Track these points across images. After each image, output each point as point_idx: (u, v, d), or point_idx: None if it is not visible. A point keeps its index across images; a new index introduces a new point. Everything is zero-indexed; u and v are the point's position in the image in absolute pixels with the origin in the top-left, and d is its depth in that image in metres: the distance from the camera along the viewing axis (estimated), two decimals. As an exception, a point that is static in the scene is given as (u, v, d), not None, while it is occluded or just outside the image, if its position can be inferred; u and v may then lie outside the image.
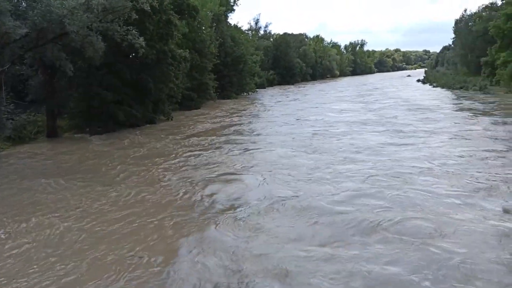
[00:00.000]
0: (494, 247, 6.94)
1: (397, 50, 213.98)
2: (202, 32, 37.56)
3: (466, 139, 16.75)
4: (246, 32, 69.90)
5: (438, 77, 64.63)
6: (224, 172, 12.82)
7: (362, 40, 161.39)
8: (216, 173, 12.70)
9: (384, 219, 8.18)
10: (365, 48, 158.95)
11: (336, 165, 12.99)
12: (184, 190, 10.97)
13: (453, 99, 37.46)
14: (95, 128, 22.16)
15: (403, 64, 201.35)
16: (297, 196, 9.98)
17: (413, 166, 12.32)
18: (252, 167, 13.41)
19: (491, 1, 55.33)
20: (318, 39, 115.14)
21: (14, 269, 6.85)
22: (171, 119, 27.09)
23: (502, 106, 28.55)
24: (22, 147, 18.49)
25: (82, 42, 17.24)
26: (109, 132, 22.11)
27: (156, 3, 21.55)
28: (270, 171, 12.54)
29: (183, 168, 13.57)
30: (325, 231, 7.93)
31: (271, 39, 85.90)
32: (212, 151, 16.25)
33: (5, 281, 6.42)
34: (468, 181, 10.65)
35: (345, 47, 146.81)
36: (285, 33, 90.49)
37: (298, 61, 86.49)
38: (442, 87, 52.97)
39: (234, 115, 30.43)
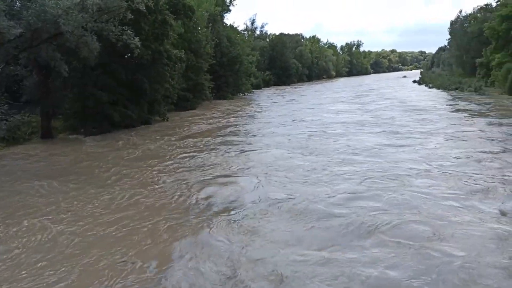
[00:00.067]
0: (493, 250, 6.87)
1: (393, 51, 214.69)
2: (198, 32, 37.42)
3: (463, 140, 16.75)
4: (242, 32, 69.84)
5: (434, 78, 64.88)
6: (220, 174, 12.70)
7: (358, 40, 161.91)
8: (212, 175, 12.59)
9: (382, 222, 8.10)
10: (361, 49, 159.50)
11: (333, 167, 12.92)
12: (178, 193, 10.83)
13: (448, 100, 37.57)
14: (90, 129, 21.99)
15: (399, 65, 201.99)
16: (293, 199, 9.89)
17: (410, 168, 12.27)
18: (248, 169, 13.31)
19: (486, 3, 55.73)
20: (314, 39, 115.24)
21: (3, 275, 6.68)
22: (167, 120, 26.94)
23: (498, 107, 28.64)
24: (16, 148, 18.30)
25: (77, 42, 17.08)
26: (104, 133, 21.94)
27: (152, 3, 21.41)
28: (266, 173, 12.45)
29: (178, 170, 13.43)
30: (322, 234, 7.84)
31: (267, 40, 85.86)
32: (208, 153, 16.14)
33: (-6, 287, 6.29)
34: (465, 183, 10.61)
35: (341, 47, 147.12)
36: (281, 34, 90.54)
37: (294, 62, 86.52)
38: (438, 88, 53.19)
39: (230, 116, 30.33)
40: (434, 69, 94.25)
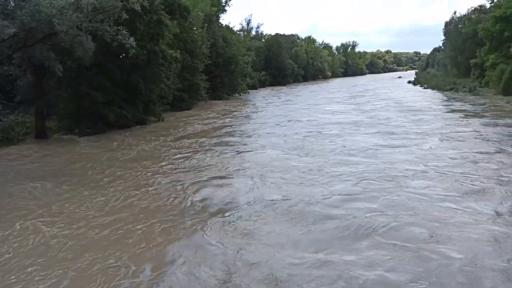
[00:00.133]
0: (490, 253, 6.85)
1: (388, 52, 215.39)
2: (194, 33, 37.31)
3: (459, 140, 16.80)
4: (238, 32, 69.77)
5: (429, 79, 65.22)
6: (215, 175, 12.62)
7: (353, 41, 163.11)
8: (207, 176, 12.50)
9: (378, 224, 8.07)
10: (357, 50, 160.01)
11: (329, 168, 12.89)
12: (173, 195, 10.72)
13: (443, 100, 37.75)
14: (85, 129, 21.86)
15: (394, 66, 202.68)
16: (289, 200, 9.83)
17: (406, 169, 12.26)
18: (243, 170, 13.24)
19: (480, 4, 56.09)
20: (309, 40, 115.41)
21: (-7, 279, 6.53)
22: (162, 120, 26.84)
23: (492, 107, 28.81)
24: (9, 149, 18.13)
25: (71, 42, 16.94)
26: (98, 133, 21.80)
27: (147, 3, 21.32)
28: (261, 174, 12.38)
29: (173, 171, 13.32)
30: (318, 237, 7.78)
31: (263, 40, 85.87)
32: (203, 154, 16.06)
33: (-18, 293, 6.15)
34: (461, 184, 10.61)
35: (337, 48, 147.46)
36: (276, 34, 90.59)
37: (290, 62, 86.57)
38: (433, 88, 53.48)
39: (226, 116, 30.27)
40: (429, 70, 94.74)
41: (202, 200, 10.21)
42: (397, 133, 19.03)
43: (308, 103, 39.37)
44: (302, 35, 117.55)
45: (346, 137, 18.67)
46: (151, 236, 8.07)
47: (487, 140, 16.75)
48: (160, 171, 13.46)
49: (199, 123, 26.04)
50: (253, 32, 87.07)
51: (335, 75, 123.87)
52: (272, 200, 9.93)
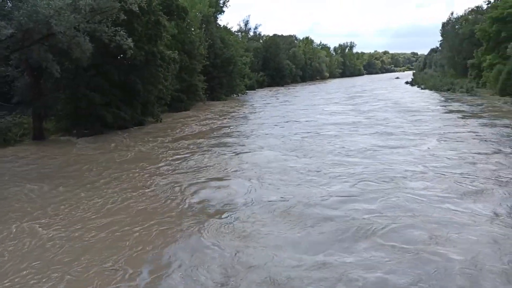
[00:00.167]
0: (489, 255, 6.83)
1: (385, 52, 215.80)
2: (191, 33, 37.31)
3: (457, 141, 16.82)
4: (236, 33, 69.76)
5: (426, 79, 65.38)
6: (213, 177, 12.58)
7: (351, 42, 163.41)
8: (204, 177, 12.45)
9: (377, 226, 8.05)
10: (354, 50, 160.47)
11: (327, 169, 12.89)
12: (171, 196, 10.66)
13: (441, 101, 37.84)
14: (82, 130, 21.80)
15: (391, 66, 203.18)
16: (287, 202, 9.80)
17: (405, 170, 12.26)
18: (241, 171, 13.21)
19: (477, 5, 56.32)
20: (307, 40, 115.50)
21: (-14, 284, 6.45)
22: (160, 121, 26.80)
23: (490, 108, 28.90)
24: (6, 150, 18.04)
25: (69, 43, 16.89)
26: (96, 134, 21.74)
27: (145, 4, 21.27)
28: (259, 176, 12.35)
29: (171, 173, 13.26)
30: (316, 238, 7.75)
31: (261, 41, 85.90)
32: (201, 155, 16.03)
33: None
34: (460, 185, 10.62)
35: (335, 49, 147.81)
36: (274, 35, 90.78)
37: (288, 63, 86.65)
38: (430, 89, 53.63)
39: (224, 117, 30.26)
40: (426, 70, 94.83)
41: (199, 202, 10.17)
42: (396, 134, 19.05)
43: (306, 103, 39.40)
44: (300, 36, 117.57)
45: (344, 138, 18.68)
46: (148, 239, 7.99)
47: (485, 140, 16.80)
48: (158, 172, 13.42)
49: (197, 124, 26.02)
50: (251, 33, 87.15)
51: (333, 76, 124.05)
52: (270, 201, 9.90)
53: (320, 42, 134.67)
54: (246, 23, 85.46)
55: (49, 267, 6.91)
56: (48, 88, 21.21)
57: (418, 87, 60.95)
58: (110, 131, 22.44)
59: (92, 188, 11.66)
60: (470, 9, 57.92)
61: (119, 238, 8.04)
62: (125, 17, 18.90)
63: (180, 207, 9.92)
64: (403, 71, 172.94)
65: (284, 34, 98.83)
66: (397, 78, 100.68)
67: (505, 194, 9.85)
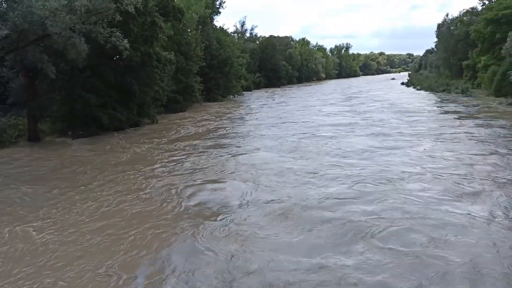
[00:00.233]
0: (488, 257, 6.81)
1: (381, 54, 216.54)
2: (188, 35, 37.24)
3: (453, 142, 16.88)
4: (232, 34, 69.76)
5: (422, 80, 65.72)
6: (209, 179, 12.49)
7: (347, 43, 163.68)
8: (200, 180, 12.36)
9: (376, 228, 8.01)
10: (350, 52, 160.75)
11: (324, 170, 12.86)
12: (166, 199, 10.53)
13: (437, 101, 38.03)
14: (78, 132, 21.69)
15: (387, 67, 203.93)
16: (284, 204, 9.74)
17: (402, 172, 12.27)
18: (237, 173, 13.14)
19: (471, 6, 56.65)
20: (303, 42, 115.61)
21: (-23, 291, 6.32)
22: (156, 122, 26.73)
23: (486, 109, 29.05)
24: (1, 152, 17.89)
25: (64, 44, 16.81)
26: (92, 135, 21.63)
27: (141, 5, 21.17)
28: (256, 177, 12.30)
29: (166, 175, 13.12)
30: (314, 241, 7.69)
31: (257, 42, 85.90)
32: (197, 156, 15.95)
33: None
34: (457, 186, 10.63)
35: (331, 50, 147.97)
36: (271, 36, 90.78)
37: (284, 64, 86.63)
38: (426, 90, 53.92)
39: (220, 118, 30.20)
40: (422, 71, 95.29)
41: (195, 205, 10.06)
42: (392, 135, 19.08)
43: (302, 104, 39.41)
44: (296, 37, 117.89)
45: (341, 139, 18.68)
46: (143, 243, 7.85)
47: (482, 141, 16.86)
48: (153, 174, 13.30)
49: (193, 125, 25.95)
50: (247, 34, 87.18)
51: (329, 77, 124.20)
52: (267, 204, 9.83)
53: (317, 43, 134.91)
54: (243, 24, 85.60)
55: (41, 273, 6.78)
56: (43, 89, 21.09)
57: (413, 88, 61.24)
58: (106, 133, 22.33)
59: (86, 190, 11.52)
60: (465, 11, 58.26)
61: (113, 242, 7.90)
62: (121, 18, 18.82)
63: (176, 210, 9.80)
64: (399, 72, 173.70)
65: (280, 35, 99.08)
66: (393, 79, 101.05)
67: (502, 195, 9.85)
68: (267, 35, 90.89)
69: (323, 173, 12.58)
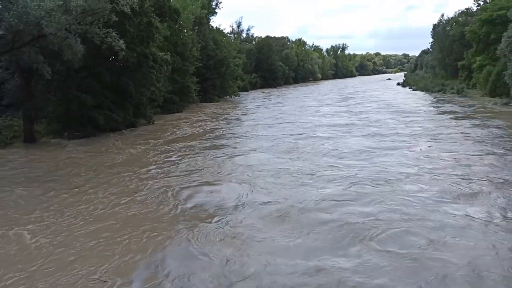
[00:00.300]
0: (488, 260, 6.76)
1: (377, 54, 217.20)
2: (184, 35, 37.16)
3: (450, 142, 16.89)
4: (229, 35, 69.71)
5: (417, 80, 65.99)
6: (205, 180, 12.39)
7: (343, 43, 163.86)
8: (196, 181, 12.26)
9: (373, 231, 7.96)
10: (346, 52, 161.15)
11: (321, 171, 12.83)
12: (162, 202, 10.39)
13: (433, 102, 38.17)
14: (74, 133, 21.58)
15: (383, 68, 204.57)
16: (280, 206, 9.68)
17: (400, 172, 12.25)
18: (234, 175, 13.05)
19: (467, 7, 56.90)
20: (300, 42, 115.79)
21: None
22: (153, 123, 26.65)
23: (481, 109, 29.18)
24: (-4, 153, 17.77)
25: (60, 45, 16.70)
26: (88, 136, 21.53)
27: (137, 5, 21.12)
28: (253, 179, 12.23)
29: (162, 177, 12.99)
30: (311, 244, 7.61)
31: (254, 42, 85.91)
32: (193, 158, 15.86)
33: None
34: (455, 187, 10.62)
35: (327, 50, 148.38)
36: (267, 37, 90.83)
37: (281, 64, 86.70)
38: (421, 90, 54.17)
39: (216, 118, 30.15)
40: (417, 72, 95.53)
41: (191, 207, 9.96)
42: (389, 136, 19.09)
43: (299, 105, 39.42)
44: (293, 38, 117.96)
45: (337, 139, 18.67)
46: (138, 247, 7.72)
47: (478, 141, 16.90)
48: (149, 176, 13.18)
49: (189, 126, 25.89)
50: (244, 35, 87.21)
51: (325, 77, 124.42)
52: (263, 206, 9.76)
53: (313, 44, 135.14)
54: (239, 25, 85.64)
55: (34, 277, 6.65)
56: (39, 90, 20.96)
57: (409, 88, 61.48)
58: (101, 133, 22.22)
59: (80, 193, 11.38)
60: (460, 11, 58.50)
61: (108, 246, 7.76)
62: (117, 19, 18.75)
63: (171, 212, 9.69)
64: (395, 73, 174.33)
65: (276, 36, 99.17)
66: (389, 79, 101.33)
67: (500, 196, 9.84)
68: (263, 36, 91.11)
69: (320, 174, 12.55)
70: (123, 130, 23.59)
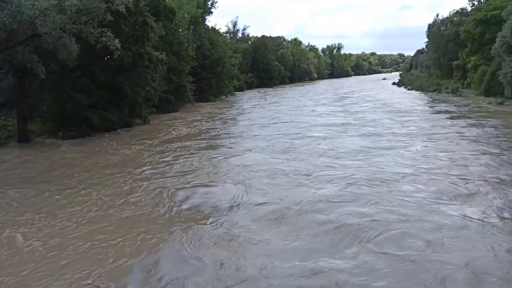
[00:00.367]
0: (486, 261, 6.73)
1: (373, 54, 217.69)
2: (179, 35, 37.00)
3: (446, 142, 16.92)
4: (224, 34, 69.56)
5: (413, 80, 66.22)
6: (201, 181, 12.28)
7: (339, 43, 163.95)
8: (191, 182, 12.14)
9: (371, 232, 7.90)
10: (342, 52, 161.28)
11: (317, 172, 12.77)
12: (156, 203, 10.26)
13: (428, 101, 38.30)
14: (68, 132, 21.37)
15: (378, 68, 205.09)
16: (277, 207, 9.61)
17: (396, 172, 12.22)
18: (230, 175, 12.96)
19: (461, 7, 57.17)
20: (296, 42, 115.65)
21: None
22: (148, 123, 26.49)
23: (477, 108, 29.31)
24: (-11, 153, 17.58)
25: (54, 44, 16.58)
26: (83, 136, 21.34)
27: (132, 4, 20.98)
28: (248, 180, 12.14)
29: (157, 178, 12.85)
30: (308, 245, 7.55)
31: (249, 42, 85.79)
32: (188, 158, 15.75)
33: None
34: (452, 187, 10.61)
35: (323, 50, 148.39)
36: (263, 36, 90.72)
37: (277, 64, 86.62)
38: (417, 89, 54.40)
39: (212, 118, 30.04)
40: (412, 71, 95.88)
41: (187, 209, 9.84)
42: (385, 135, 19.10)
43: (295, 105, 39.39)
44: (288, 37, 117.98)
45: (334, 139, 18.65)
46: (132, 250, 7.58)
47: (474, 141, 16.95)
48: (143, 177, 13.02)
49: (185, 126, 25.76)
50: (240, 34, 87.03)
51: (321, 77, 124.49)
52: (259, 207, 9.68)
53: (309, 44, 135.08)
54: (235, 25, 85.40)
55: (26, 282, 6.52)
56: (33, 89, 20.78)
57: (405, 88, 61.68)
58: (96, 133, 22.05)
59: (74, 194, 11.21)
60: (455, 11, 58.76)
61: (101, 250, 7.61)
62: (112, 18, 18.63)
63: (166, 214, 9.55)
64: (390, 72, 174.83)
65: (272, 36, 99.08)
66: (384, 79, 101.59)
67: (496, 197, 9.83)
68: (259, 35, 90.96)
69: (317, 174, 12.49)
70: (118, 130, 23.41)
